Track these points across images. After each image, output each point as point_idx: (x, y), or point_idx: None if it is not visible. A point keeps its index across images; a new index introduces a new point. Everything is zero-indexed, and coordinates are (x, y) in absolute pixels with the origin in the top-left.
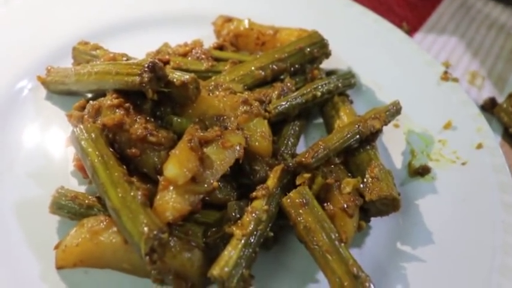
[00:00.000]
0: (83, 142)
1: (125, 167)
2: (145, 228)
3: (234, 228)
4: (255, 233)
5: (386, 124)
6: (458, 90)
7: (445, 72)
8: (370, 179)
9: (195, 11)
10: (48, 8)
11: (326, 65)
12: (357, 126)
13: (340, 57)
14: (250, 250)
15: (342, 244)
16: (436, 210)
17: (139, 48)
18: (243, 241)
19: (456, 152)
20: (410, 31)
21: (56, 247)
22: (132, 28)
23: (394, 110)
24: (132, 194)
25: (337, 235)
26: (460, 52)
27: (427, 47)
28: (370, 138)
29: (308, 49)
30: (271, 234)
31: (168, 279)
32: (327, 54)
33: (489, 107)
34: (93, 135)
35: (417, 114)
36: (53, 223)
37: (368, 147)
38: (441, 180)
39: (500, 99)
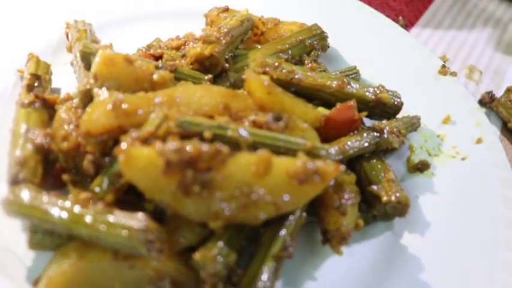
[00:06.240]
0: (21, 209)
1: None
2: (133, 232)
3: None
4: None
5: (404, 143)
6: (456, 84)
7: (443, 66)
8: (386, 182)
9: (186, 5)
10: (38, 3)
11: (322, 59)
12: (376, 135)
13: (336, 52)
14: (235, 240)
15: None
16: (436, 206)
17: (130, 43)
18: (227, 232)
19: (456, 147)
20: (406, 26)
21: (36, 283)
22: (122, 23)
23: (414, 127)
24: (99, 211)
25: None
26: (457, 46)
27: (423, 42)
28: (382, 151)
29: (308, 41)
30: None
31: None
32: (324, 47)
33: (487, 102)
34: (27, 194)
35: (415, 109)
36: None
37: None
38: (441, 176)
39: (498, 94)
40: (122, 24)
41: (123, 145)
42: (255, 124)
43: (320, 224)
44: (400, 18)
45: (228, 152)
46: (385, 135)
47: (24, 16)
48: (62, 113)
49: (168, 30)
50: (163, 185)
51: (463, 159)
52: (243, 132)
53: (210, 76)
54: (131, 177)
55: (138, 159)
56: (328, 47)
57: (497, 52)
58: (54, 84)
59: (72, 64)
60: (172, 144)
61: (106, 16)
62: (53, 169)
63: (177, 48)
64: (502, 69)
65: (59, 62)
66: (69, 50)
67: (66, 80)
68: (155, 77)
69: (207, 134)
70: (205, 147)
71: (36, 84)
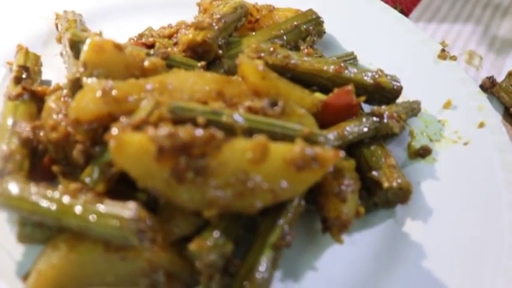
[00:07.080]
0: (9, 201)
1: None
2: (123, 221)
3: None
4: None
5: (404, 129)
6: (456, 68)
7: (443, 51)
8: (387, 168)
9: None
10: None
11: (318, 45)
12: (375, 120)
13: (333, 38)
14: (232, 229)
15: None
16: (438, 192)
17: (121, 33)
18: (223, 222)
19: (457, 132)
20: (404, 12)
21: (25, 278)
22: (113, 13)
23: (414, 112)
24: (89, 201)
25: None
26: (456, 32)
27: (422, 28)
28: (382, 136)
29: (304, 26)
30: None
31: (159, 285)
32: (320, 33)
33: (488, 87)
34: (15, 186)
35: (415, 94)
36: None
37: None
38: (443, 161)
39: (499, 79)
40: (113, 14)
41: (114, 131)
42: (251, 110)
43: (319, 211)
44: (398, 4)
45: (222, 137)
46: (385, 120)
47: (14, 8)
48: (51, 102)
49: (161, 20)
50: (156, 172)
51: (465, 144)
52: (238, 117)
53: (203, 63)
54: (122, 164)
55: (129, 145)
56: (324, 32)
57: (497, 37)
58: (45, 76)
59: (61, 54)
60: (165, 129)
61: (96, 6)
62: (42, 161)
63: (170, 37)
64: (502, 54)
65: (49, 53)
66: (59, 40)
67: (57, 72)
68: (146, 63)
69: (201, 120)
70: (199, 132)
71: (24, 76)
